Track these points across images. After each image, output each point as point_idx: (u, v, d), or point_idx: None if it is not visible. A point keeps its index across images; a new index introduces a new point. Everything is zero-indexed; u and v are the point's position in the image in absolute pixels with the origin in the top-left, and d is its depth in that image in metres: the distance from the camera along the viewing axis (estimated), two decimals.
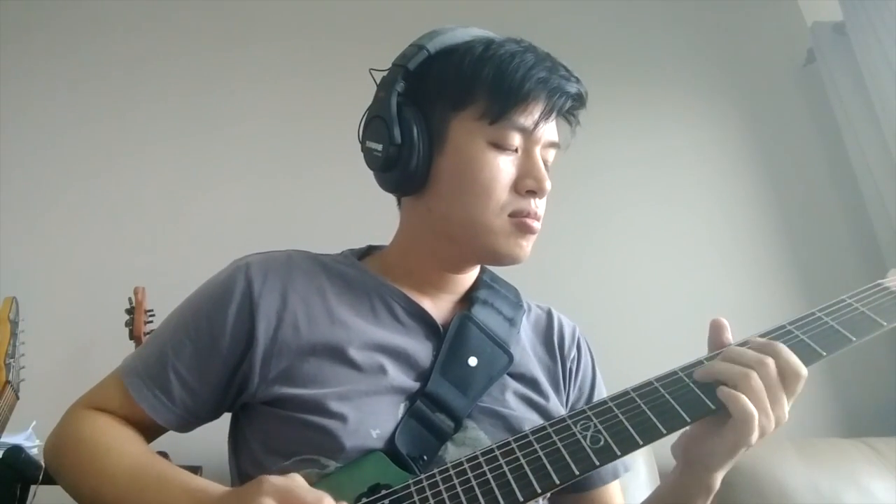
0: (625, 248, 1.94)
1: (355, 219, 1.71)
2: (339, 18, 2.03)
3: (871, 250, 1.95)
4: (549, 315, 0.90)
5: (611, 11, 2.19)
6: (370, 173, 0.79)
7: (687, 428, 0.62)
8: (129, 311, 1.45)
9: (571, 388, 0.86)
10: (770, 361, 0.61)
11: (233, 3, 1.98)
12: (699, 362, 0.66)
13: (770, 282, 1.96)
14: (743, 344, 0.66)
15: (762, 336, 0.67)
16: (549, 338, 0.87)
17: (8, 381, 1.18)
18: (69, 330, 1.59)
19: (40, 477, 0.93)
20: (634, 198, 1.99)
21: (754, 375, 0.60)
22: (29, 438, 1.23)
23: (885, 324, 0.66)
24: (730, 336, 0.68)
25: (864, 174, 1.92)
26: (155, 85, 1.87)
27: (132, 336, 1.42)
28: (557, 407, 0.81)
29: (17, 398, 1.22)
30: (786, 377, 0.61)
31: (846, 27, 1.96)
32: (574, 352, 0.87)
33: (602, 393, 0.89)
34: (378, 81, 0.78)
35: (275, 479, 0.56)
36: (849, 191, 2.02)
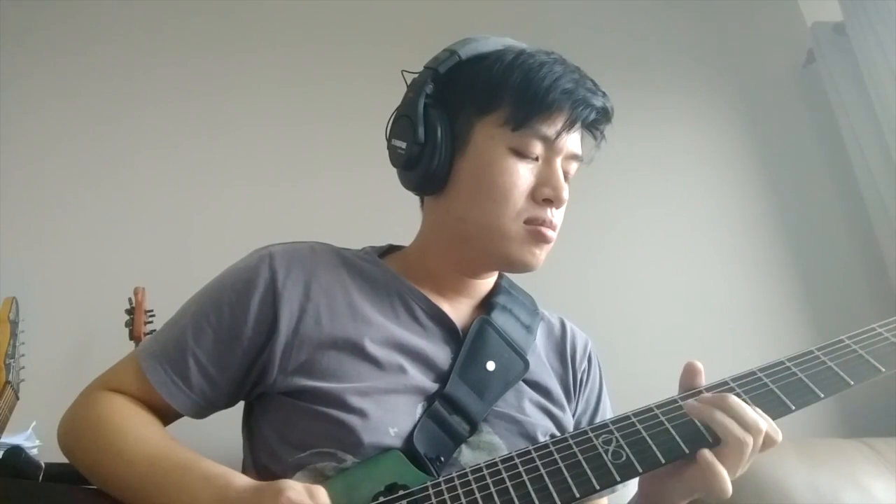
0: (624, 250, 1.94)
1: (355, 220, 1.72)
2: (345, 22, 2.02)
3: (870, 251, 1.95)
4: (563, 325, 0.91)
5: (609, 12, 2.18)
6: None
7: None
8: (129, 312, 1.45)
9: (580, 399, 0.86)
10: (764, 428, 0.60)
11: (237, 5, 1.98)
12: (723, 382, 0.65)
13: (769, 282, 1.96)
14: (721, 386, 0.65)
15: (762, 370, 0.65)
16: (563, 348, 0.88)
17: (8, 382, 1.19)
18: (69, 330, 1.59)
19: (40, 477, 0.92)
20: (633, 199, 1.99)
21: (751, 444, 0.59)
22: (29, 438, 1.23)
23: (883, 369, 0.64)
24: (703, 381, 0.66)
25: (864, 174, 1.92)
26: (155, 86, 1.86)
27: (132, 336, 1.42)
28: (570, 418, 0.81)
29: (17, 398, 1.22)
30: (766, 445, 0.61)
31: (846, 27, 1.96)
32: (585, 364, 0.88)
33: (607, 408, 0.90)
34: (409, 82, 0.80)
35: (297, 496, 0.55)
36: (849, 191, 2.01)
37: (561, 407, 0.80)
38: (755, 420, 0.59)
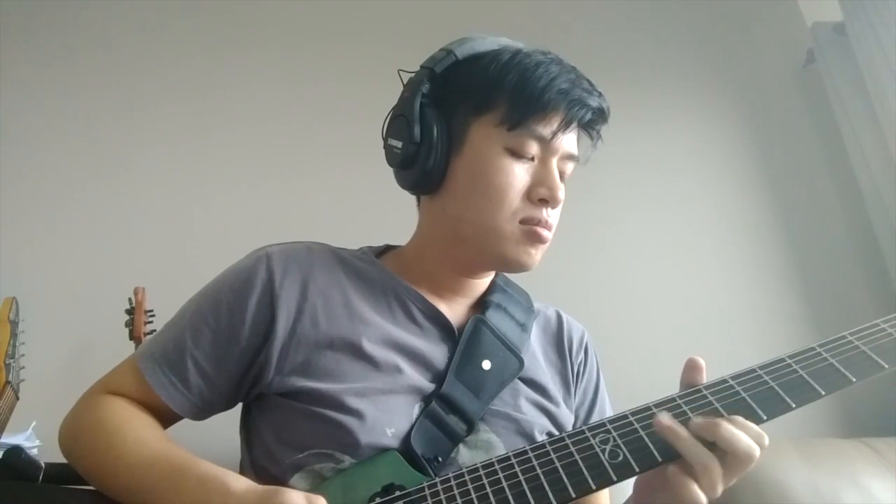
0: (623, 250, 1.94)
1: (353, 219, 1.72)
2: (344, 22, 2.02)
3: (871, 250, 1.95)
4: (559, 317, 0.91)
5: (608, 12, 2.19)
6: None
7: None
8: (129, 312, 1.45)
9: (577, 391, 0.86)
10: (753, 455, 0.57)
11: (237, 5, 1.98)
12: (723, 380, 0.64)
13: (769, 282, 1.96)
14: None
15: (762, 368, 0.64)
16: (559, 340, 0.88)
17: (8, 382, 1.19)
18: (69, 330, 1.59)
19: (40, 477, 0.92)
20: (632, 199, 1.99)
21: (712, 467, 0.56)
22: (29, 439, 1.23)
23: (886, 366, 0.62)
24: (703, 377, 0.65)
25: (864, 174, 1.92)
26: (155, 85, 1.87)
27: (132, 336, 1.42)
28: (567, 414, 0.81)
29: (17, 398, 1.22)
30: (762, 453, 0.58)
31: (846, 27, 1.96)
32: (581, 356, 0.88)
33: (605, 400, 0.89)
34: (405, 82, 0.80)
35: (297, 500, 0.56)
36: (849, 191, 2.02)
37: (557, 404, 0.80)
38: (742, 440, 0.57)
